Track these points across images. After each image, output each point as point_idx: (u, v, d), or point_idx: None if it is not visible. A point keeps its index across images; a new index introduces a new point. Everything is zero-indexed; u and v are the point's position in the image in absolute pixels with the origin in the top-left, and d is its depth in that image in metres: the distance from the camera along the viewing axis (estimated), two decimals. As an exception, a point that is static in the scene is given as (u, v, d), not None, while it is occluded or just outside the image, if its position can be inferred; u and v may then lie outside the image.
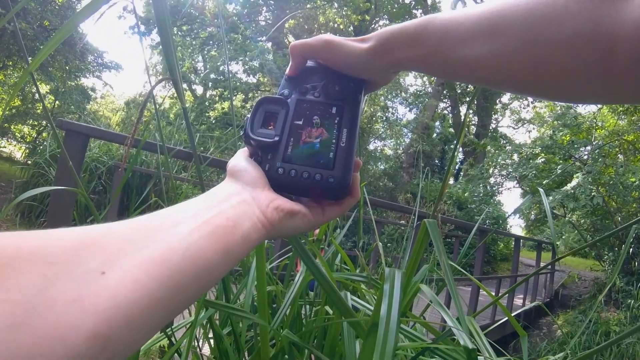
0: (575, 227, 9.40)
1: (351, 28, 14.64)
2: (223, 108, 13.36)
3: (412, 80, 21.12)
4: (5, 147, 12.05)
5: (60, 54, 8.56)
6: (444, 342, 0.78)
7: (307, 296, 1.06)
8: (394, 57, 0.39)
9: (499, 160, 10.73)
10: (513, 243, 6.92)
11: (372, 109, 14.62)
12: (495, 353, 0.78)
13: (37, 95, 9.70)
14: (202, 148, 7.68)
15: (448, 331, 0.76)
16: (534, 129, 14.87)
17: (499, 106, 19.01)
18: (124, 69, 11.43)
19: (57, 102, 10.10)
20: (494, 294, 1.55)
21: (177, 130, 6.82)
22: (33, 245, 0.22)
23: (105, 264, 0.23)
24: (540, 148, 9.30)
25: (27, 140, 11.32)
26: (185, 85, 13.44)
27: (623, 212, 8.16)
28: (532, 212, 12.28)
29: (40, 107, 10.05)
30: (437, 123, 18.55)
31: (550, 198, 7.55)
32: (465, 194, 11.92)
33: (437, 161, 17.44)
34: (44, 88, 10.18)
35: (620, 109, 9.17)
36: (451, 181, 15.11)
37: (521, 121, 17.02)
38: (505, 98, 18.55)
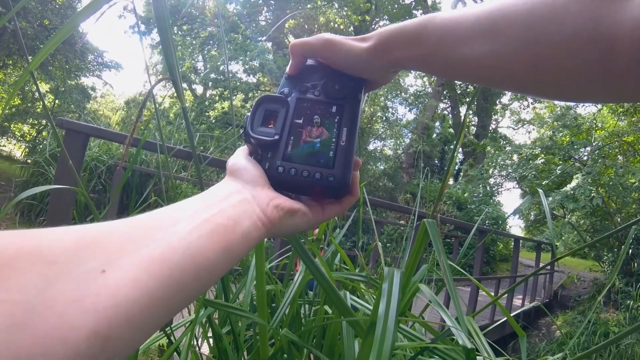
0: (574, 227, 9.41)
1: (351, 28, 14.63)
2: (223, 108, 13.36)
3: (412, 81, 21.16)
4: (5, 146, 12.04)
5: (61, 53, 8.56)
6: (443, 342, 0.78)
7: (306, 296, 1.06)
8: (394, 56, 0.39)
9: (498, 161, 10.74)
10: (512, 243, 6.92)
11: (372, 109, 14.61)
12: (494, 353, 0.78)
13: (37, 94, 9.70)
14: (202, 147, 7.67)
15: (447, 331, 0.76)
16: (533, 129, 14.90)
17: (499, 107, 19.01)
18: (124, 69, 11.42)
19: (57, 101, 10.09)
20: (493, 294, 1.55)
21: (177, 129, 6.82)
22: (33, 244, 0.22)
23: (105, 263, 0.23)
24: (540, 149, 9.31)
25: (27, 139, 11.31)
26: (185, 85, 13.44)
27: (622, 213, 8.17)
28: (532, 213, 12.29)
29: (40, 106, 10.05)
30: (437, 123, 18.56)
31: (550, 199, 7.55)
32: (465, 195, 11.93)
33: (436, 161, 17.44)
34: (43, 87, 10.18)
35: (620, 109, 9.17)
36: (451, 181, 15.11)
37: (521, 122, 17.04)
38: (505, 99, 18.56)
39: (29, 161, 7.15)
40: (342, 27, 14.80)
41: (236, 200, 0.34)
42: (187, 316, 1.08)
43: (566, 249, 10.71)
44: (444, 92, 18.18)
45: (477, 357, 0.65)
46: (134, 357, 0.81)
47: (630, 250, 6.96)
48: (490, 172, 11.49)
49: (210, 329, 0.91)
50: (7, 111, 8.90)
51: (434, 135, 17.51)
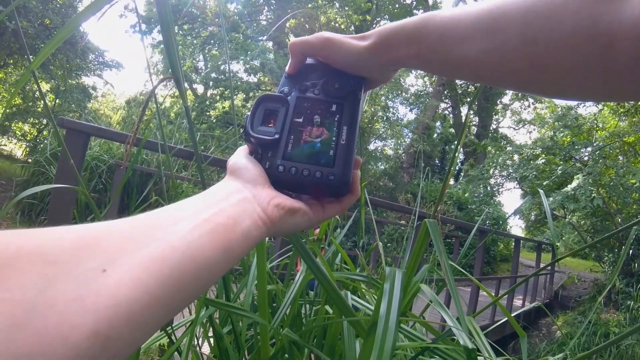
0: (575, 228, 9.41)
1: (352, 28, 14.62)
2: (224, 107, 13.37)
3: (413, 81, 21.20)
4: (5, 145, 12.06)
5: (61, 53, 8.57)
6: (443, 342, 0.78)
7: (307, 296, 1.06)
8: (394, 54, 0.39)
9: (499, 161, 10.73)
10: (513, 244, 6.92)
11: (372, 109, 14.61)
12: (494, 353, 0.78)
13: (37, 94, 9.71)
14: (202, 147, 7.67)
15: (448, 331, 0.76)
16: (534, 129, 14.91)
17: (499, 107, 19.02)
18: (124, 68, 11.42)
19: (57, 100, 10.11)
20: (493, 294, 1.55)
21: (177, 129, 6.82)
22: (33, 244, 0.22)
23: (105, 263, 0.23)
24: (540, 149, 9.30)
25: (28, 138, 11.33)
26: (186, 85, 13.41)
27: (623, 214, 8.16)
28: (532, 213, 12.28)
29: (41, 106, 10.06)
30: (438, 123, 18.55)
31: (551, 199, 7.55)
32: (466, 195, 11.93)
33: (437, 161, 17.44)
34: (44, 86, 10.19)
35: (621, 110, 9.17)
36: (451, 181, 15.11)
37: (522, 122, 17.05)
38: (506, 98, 18.58)
39: (30, 160, 7.17)
40: (342, 26, 14.80)
41: (236, 199, 0.34)
42: (187, 316, 1.08)
43: (567, 249, 10.71)
44: (445, 92, 18.18)
45: (478, 357, 0.65)
46: (136, 357, 0.81)
47: (631, 251, 6.96)
48: (491, 172, 11.49)
49: (211, 329, 0.91)
50: (7, 110, 8.92)
51: (435, 135, 17.51)
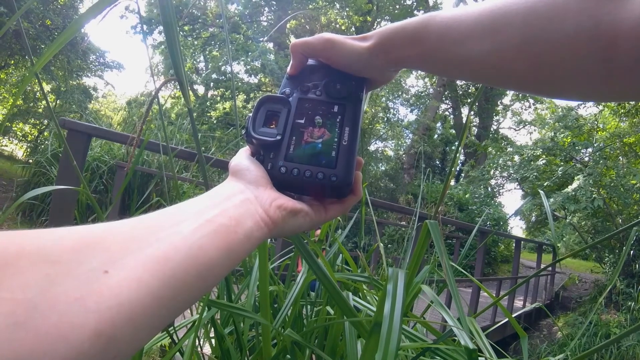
0: (576, 229, 9.40)
1: (353, 29, 14.63)
2: (224, 108, 13.37)
3: (414, 82, 21.19)
4: (6, 146, 12.07)
5: (63, 54, 8.58)
6: (444, 342, 0.78)
7: (308, 297, 1.06)
8: (395, 55, 0.39)
9: (500, 162, 10.73)
10: (514, 245, 6.92)
11: (373, 110, 14.61)
12: (495, 354, 0.78)
13: (38, 94, 9.72)
14: (203, 148, 7.65)
15: (449, 331, 0.76)
16: (535, 130, 14.90)
17: (500, 107, 19.01)
18: (125, 69, 11.43)
19: (58, 101, 10.11)
20: (494, 295, 1.55)
21: (178, 130, 6.82)
22: (36, 244, 0.22)
23: (108, 263, 0.23)
24: (541, 150, 9.30)
25: (29, 139, 11.34)
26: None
27: (624, 214, 8.15)
28: (533, 214, 12.27)
29: (42, 106, 10.07)
30: (439, 124, 18.55)
31: (551, 200, 7.55)
32: (466, 196, 11.92)
33: (438, 162, 17.44)
34: (45, 87, 10.19)
35: (622, 111, 9.16)
36: (452, 182, 15.10)
37: (522, 123, 17.03)
38: (507, 99, 18.56)
39: (31, 161, 7.16)
40: (343, 27, 14.81)
41: (239, 200, 0.34)
42: (189, 317, 1.08)
43: (567, 250, 10.70)
44: (446, 93, 18.17)
45: (479, 357, 0.65)
46: (139, 358, 0.81)
47: (632, 252, 6.95)
48: (492, 173, 11.48)
49: (212, 330, 0.91)
50: (9, 111, 8.93)
51: (435, 136, 17.52)
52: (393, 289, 0.50)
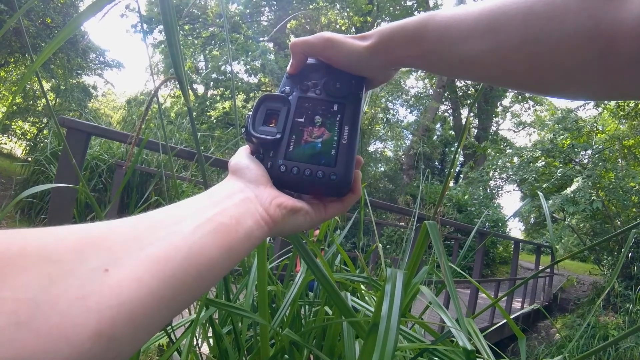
0: (574, 230, 9.40)
1: (353, 29, 14.63)
2: (224, 108, 13.37)
3: (414, 83, 21.20)
4: (5, 144, 12.05)
5: (62, 52, 8.57)
6: (442, 343, 0.78)
7: (306, 297, 1.06)
8: (395, 54, 0.39)
9: (499, 163, 10.73)
10: (512, 246, 6.92)
11: (373, 111, 14.61)
12: (493, 355, 0.78)
13: (37, 92, 9.71)
14: (202, 147, 7.63)
15: (447, 332, 0.76)
16: (534, 132, 14.90)
17: (500, 109, 19.02)
18: (125, 67, 11.42)
19: (58, 99, 10.10)
20: (492, 296, 1.55)
21: (177, 129, 6.81)
22: (37, 244, 0.22)
23: (108, 262, 0.23)
24: (540, 151, 9.30)
25: (28, 137, 11.32)
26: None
27: (622, 217, 8.16)
28: (532, 216, 12.27)
29: (41, 104, 10.06)
30: (438, 125, 18.56)
31: (550, 202, 7.55)
32: (465, 197, 11.92)
33: (437, 163, 17.45)
34: (45, 85, 10.18)
35: (621, 113, 9.18)
36: (451, 184, 15.10)
37: (522, 124, 17.05)
38: (507, 101, 18.59)
39: (30, 159, 7.16)
40: (343, 28, 14.81)
41: (239, 199, 0.34)
42: (187, 316, 1.08)
43: (566, 252, 10.71)
44: (445, 94, 18.18)
45: (477, 358, 0.65)
46: (136, 358, 0.81)
47: (630, 254, 6.96)
48: (491, 174, 11.48)
49: (210, 329, 0.91)
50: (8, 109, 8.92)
51: (435, 137, 17.52)
52: (391, 290, 0.50)
